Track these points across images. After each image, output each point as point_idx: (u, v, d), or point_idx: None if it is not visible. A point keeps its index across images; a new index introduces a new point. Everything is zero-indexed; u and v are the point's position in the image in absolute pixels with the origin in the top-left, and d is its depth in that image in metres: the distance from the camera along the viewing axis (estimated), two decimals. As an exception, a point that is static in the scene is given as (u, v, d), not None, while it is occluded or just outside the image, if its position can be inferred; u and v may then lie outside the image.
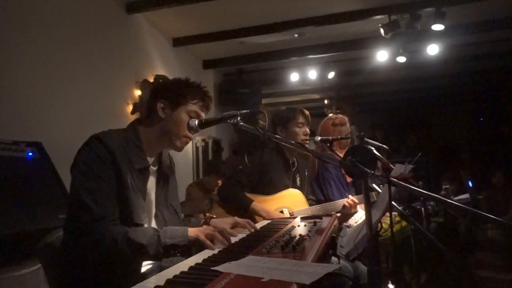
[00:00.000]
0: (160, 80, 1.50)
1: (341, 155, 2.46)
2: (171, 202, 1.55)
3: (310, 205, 2.47)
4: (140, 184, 1.36)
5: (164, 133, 1.44)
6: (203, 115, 1.49)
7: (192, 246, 1.29)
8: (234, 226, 1.53)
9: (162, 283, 0.87)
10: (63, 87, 3.06)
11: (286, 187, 2.39)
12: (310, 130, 2.55)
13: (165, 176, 1.54)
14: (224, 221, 1.54)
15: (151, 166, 1.44)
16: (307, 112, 2.47)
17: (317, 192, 2.67)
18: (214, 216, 1.62)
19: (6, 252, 1.96)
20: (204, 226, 1.40)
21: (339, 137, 2.57)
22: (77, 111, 3.15)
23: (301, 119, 2.41)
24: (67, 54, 3.12)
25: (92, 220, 1.19)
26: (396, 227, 2.87)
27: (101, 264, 1.21)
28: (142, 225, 1.31)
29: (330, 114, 2.88)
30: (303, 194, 2.43)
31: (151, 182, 1.46)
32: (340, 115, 2.84)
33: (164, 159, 1.55)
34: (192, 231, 1.32)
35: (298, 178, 2.49)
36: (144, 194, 1.39)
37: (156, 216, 1.46)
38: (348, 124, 2.76)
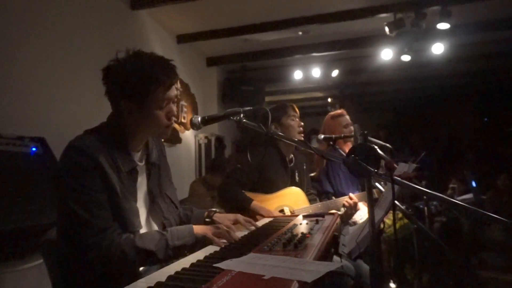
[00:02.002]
0: (113, 68, 1.29)
1: (345, 148, 2.52)
2: (165, 192, 1.49)
3: (312, 199, 2.48)
4: (130, 187, 1.30)
5: (142, 129, 1.34)
6: (173, 92, 1.34)
7: (197, 244, 1.29)
8: (236, 222, 1.53)
9: (163, 279, 0.87)
10: (67, 83, 3.07)
11: (285, 184, 2.39)
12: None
13: (155, 165, 1.46)
14: (227, 217, 1.56)
15: (139, 163, 1.36)
16: (296, 107, 2.52)
17: (326, 184, 2.69)
18: (217, 211, 1.60)
19: (9, 247, 1.97)
20: (210, 226, 1.38)
21: (342, 135, 2.59)
22: (80, 107, 3.15)
23: (292, 112, 2.46)
24: (71, 50, 3.12)
25: (94, 234, 1.15)
26: (399, 223, 2.87)
27: (108, 272, 1.19)
28: (137, 231, 1.27)
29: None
30: (303, 190, 2.43)
31: (142, 176, 1.39)
32: (337, 110, 2.92)
33: (151, 147, 1.45)
34: (198, 229, 1.32)
35: (296, 174, 2.49)
36: (135, 195, 1.32)
37: (152, 210, 1.41)
38: (347, 116, 2.82)
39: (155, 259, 1.22)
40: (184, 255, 1.23)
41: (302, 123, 2.48)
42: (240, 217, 1.57)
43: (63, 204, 1.20)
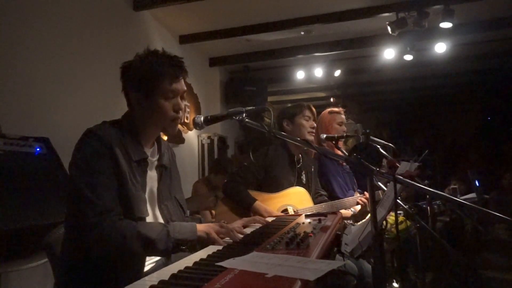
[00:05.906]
0: (124, 66, 1.48)
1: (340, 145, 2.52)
2: (175, 195, 1.53)
3: (322, 200, 2.48)
4: (139, 176, 1.33)
5: (151, 122, 1.41)
6: (181, 85, 1.41)
7: (199, 243, 1.30)
8: (245, 226, 1.55)
9: (166, 277, 0.88)
10: (70, 84, 3.08)
11: (291, 184, 2.39)
12: None
13: (166, 168, 1.50)
14: (233, 225, 1.55)
15: (150, 157, 1.42)
16: (313, 109, 2.52)
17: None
18: (226, 222, 1.62)
19: (14, 246, 1.99)
20: (214, 224, 1.39)
21: (344, 135, 2.58)
22: (83, 108, 3.17)
23: (307, 113, 2.48)
24: (74, 51, 3.13)
25: (96, 214, 1.16)
26: (400, 226, 2.86)
27: (107, 260, 1.19)
28: (144, 218, 1.29)
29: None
30: (310, 191, 2.43)
31: (153, 175, 1.43)
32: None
33: (163, 151, 1.51)
34: (201, 227, 1.34)
35: (303, 175, 2.49)
36: (145, 187, 1.36)
37: (160, 209, 1.43)
38: (343, 115, 2.83)
39: (154, 249, 1.22)
40: (184, 251, 1.25)
41: (315, 125, 2.50)
42: (245, 219, 1.61)
43: (73, 186, 1.23)
